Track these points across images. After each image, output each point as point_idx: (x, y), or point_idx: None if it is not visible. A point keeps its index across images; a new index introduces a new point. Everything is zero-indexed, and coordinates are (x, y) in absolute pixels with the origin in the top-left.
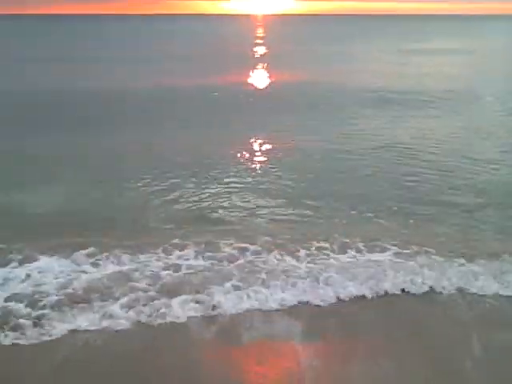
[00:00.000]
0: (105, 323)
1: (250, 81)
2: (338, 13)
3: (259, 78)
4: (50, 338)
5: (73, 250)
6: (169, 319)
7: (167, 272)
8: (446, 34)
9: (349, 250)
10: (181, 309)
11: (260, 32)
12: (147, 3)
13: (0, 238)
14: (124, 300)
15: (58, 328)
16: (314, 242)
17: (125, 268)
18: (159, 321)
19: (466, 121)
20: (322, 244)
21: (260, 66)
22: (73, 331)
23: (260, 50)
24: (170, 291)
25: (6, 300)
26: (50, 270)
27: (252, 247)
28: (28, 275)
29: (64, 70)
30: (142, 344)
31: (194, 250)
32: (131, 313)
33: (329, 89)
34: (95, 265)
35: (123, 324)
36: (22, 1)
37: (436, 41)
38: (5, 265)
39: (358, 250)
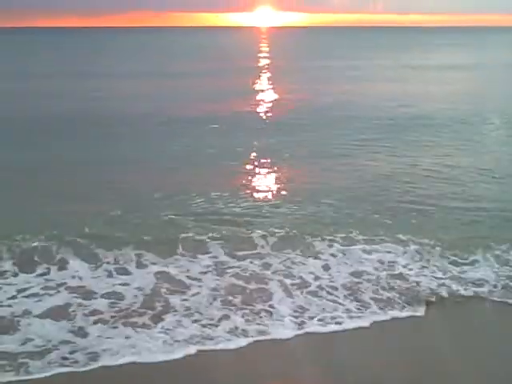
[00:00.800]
0: None
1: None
2: (341, 25)
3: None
4: None
5: None
6: None
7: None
8: (450, 46)
9: None
10: None
11: (264, 45)
12: (151, 16)
13: None
14: None
15: None
16: None
17: None
18: None
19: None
20: None
21: (265, 82)
22: None
23: (263, 63)
24: None
25: None
26: None
27: None
28: None
29: (67, 85)
30: None
31: None
32: None
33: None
34: None
35: None
36: (25, 14)
37: (441, 54)
38: None
39: None
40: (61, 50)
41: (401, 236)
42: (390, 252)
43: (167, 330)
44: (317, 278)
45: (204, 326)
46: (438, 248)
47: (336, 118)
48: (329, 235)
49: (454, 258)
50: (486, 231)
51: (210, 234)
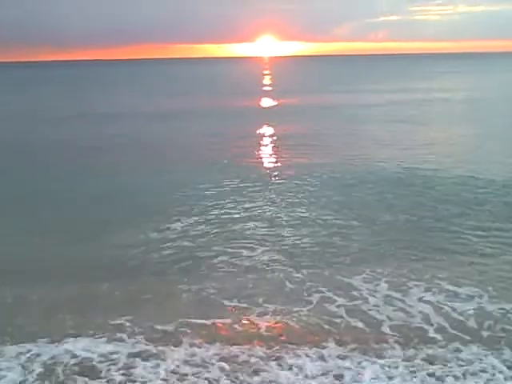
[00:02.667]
0: None
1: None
2: (343, 53)
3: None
4: None
5: None
6: None
7: None
8: (456, 74)
9: None
10: None
11: (267, 75)
12: (155, 48)
13: None
14: None
15: None
16: None
17: None
18: None
19: None
20: None
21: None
22: None
23: (267, 103)
24: None
25: None
26: None
27: None
28: None
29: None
30: None
31: None
32: None
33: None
34: None
35: None
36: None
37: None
38: None
39: None
40: (71, 83)
41: None
42: None
43: None
44: None
45: None
46: None
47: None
48: None
49: None
50: None
51: None
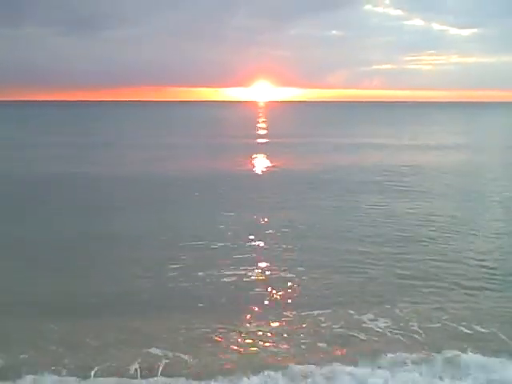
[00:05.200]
0: None
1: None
2: (338, 100)
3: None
4: None
5: None
6: None
7: None
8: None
9: None
10: None
11: (261, 120)
12: (152, 90)
13: None
14: None
15: None
16: None
17: None
18: None
19: None
20: None
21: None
22: None
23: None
24: None
25: None
26: None
27: None
28: None
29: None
30: None
31: None
32: None
33: None
34: None
35: None
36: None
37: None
38: None
39: None
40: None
41: None
42: None
43: None
44: None
45: None
46: None
47: None
48: None
49: None
50: None
51: None
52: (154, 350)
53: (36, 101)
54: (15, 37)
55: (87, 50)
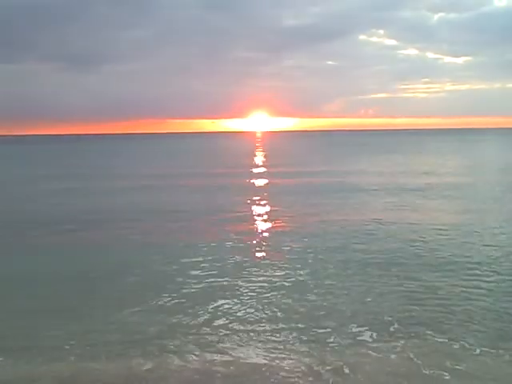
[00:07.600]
0: None
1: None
2: (334, 129)
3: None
4: None
5: None
6: None
7: None
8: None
9: None
10: None
11: (259, 151)
12: (151, 123)
13: None
14: None
15: None
16: None
17: None
18: None
19: None
20: None
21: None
22: None
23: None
24: None
25: None
26: None
27: None
28: None
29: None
30: None
31: None
32: None
33: None
34: None
35: None
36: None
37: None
38: None
39: None
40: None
41: None
42: None
43: None
44: None
45: None
46: None
47: None
48: None
49: None
50: None
51: None
52: None
53: (37, 135)
54: (15, 72)
55: (87, 84)
